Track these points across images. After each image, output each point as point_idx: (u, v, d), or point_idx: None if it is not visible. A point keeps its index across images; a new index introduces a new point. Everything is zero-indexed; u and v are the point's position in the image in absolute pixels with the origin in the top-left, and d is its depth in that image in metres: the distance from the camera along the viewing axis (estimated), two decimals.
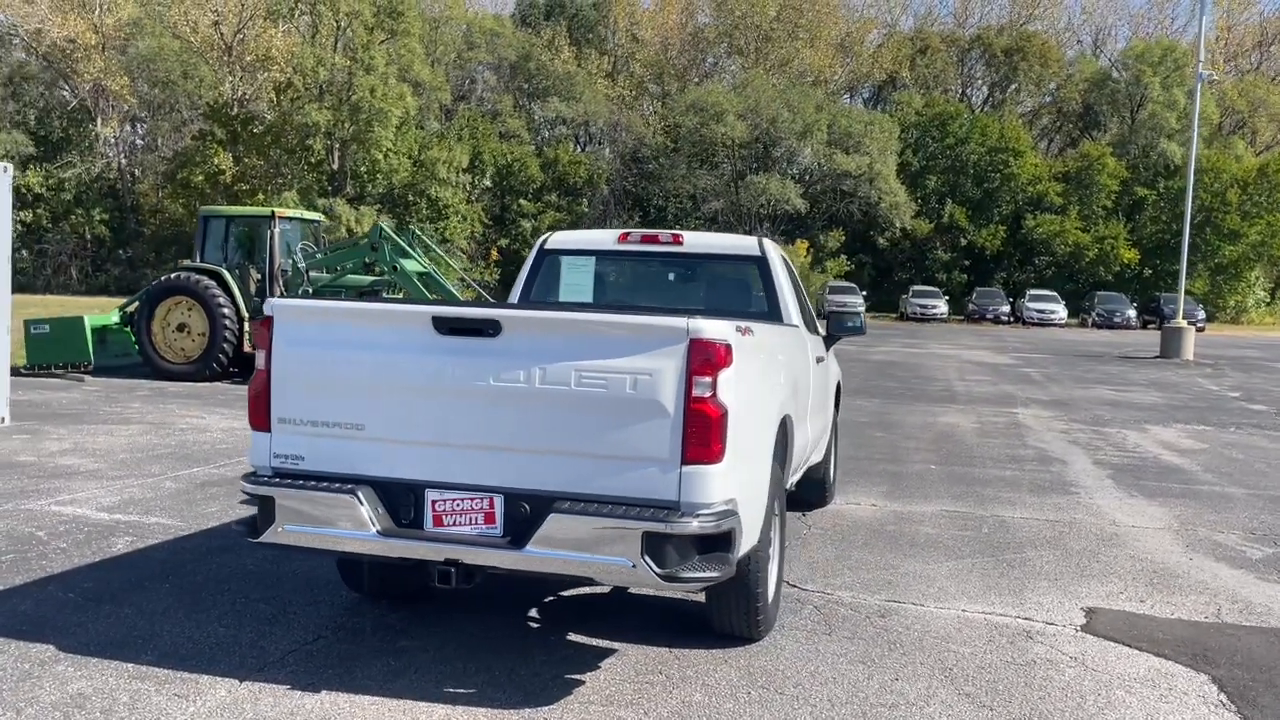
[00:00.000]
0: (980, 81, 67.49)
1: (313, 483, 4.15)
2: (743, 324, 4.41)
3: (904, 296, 50.70)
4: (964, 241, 56.41)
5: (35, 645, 4.46)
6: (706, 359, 3.90)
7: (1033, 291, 50.58)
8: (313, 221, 17.69)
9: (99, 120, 47.19)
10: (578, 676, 4.38)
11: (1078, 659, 4.96)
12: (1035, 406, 16.36)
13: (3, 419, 10.54)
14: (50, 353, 15.57)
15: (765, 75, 54.53)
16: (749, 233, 53.25)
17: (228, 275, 15.73)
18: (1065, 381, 21.02)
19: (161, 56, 46.44)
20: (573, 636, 4.91)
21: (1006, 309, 49.30)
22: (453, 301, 16.19)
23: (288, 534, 4.16)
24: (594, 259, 6.83)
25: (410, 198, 45.65)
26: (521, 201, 50.71)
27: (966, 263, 56.81)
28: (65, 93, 47.76)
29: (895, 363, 24.27)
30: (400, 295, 15.86)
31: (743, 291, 6.69)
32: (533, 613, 5.25)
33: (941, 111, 59.25)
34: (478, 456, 4.08)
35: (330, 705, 3.98)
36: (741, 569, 4.61)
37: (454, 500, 4.09)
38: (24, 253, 47.07)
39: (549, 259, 6.80)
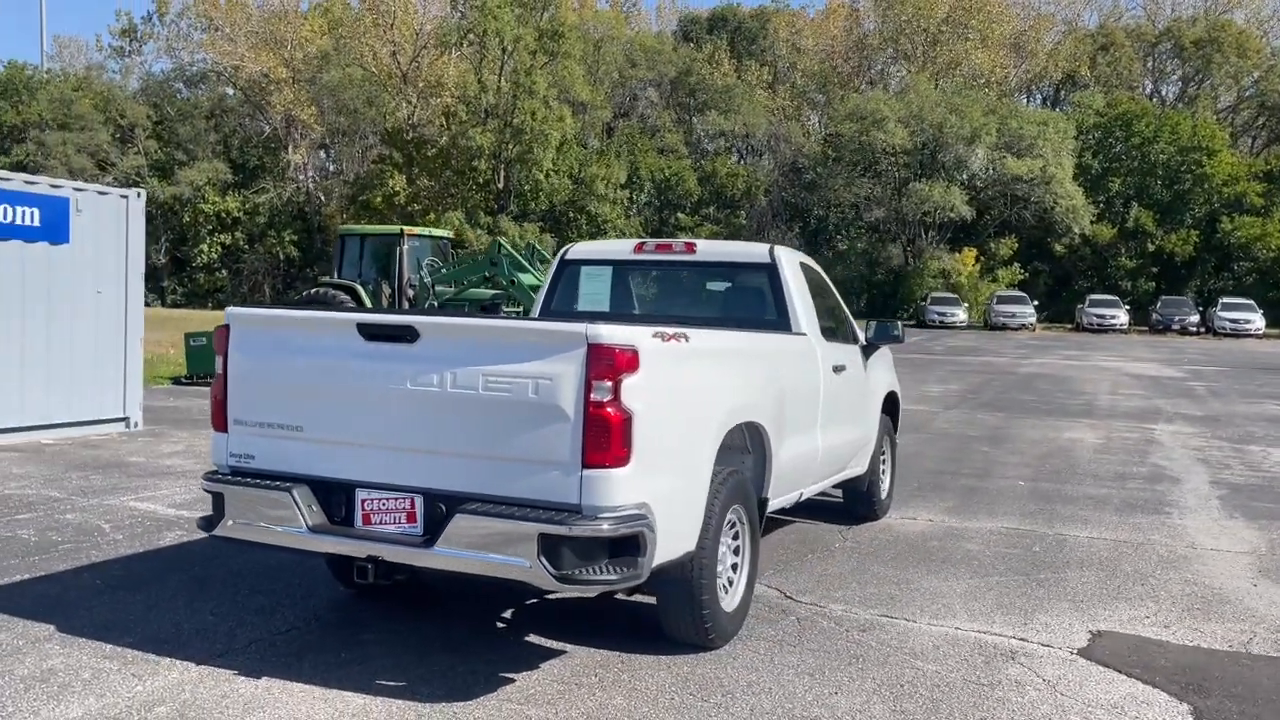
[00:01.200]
0: (1173, 76, 63.57)
1: (255, 481, 4.44)
2: (671, 330, 4.44)
3: (1079, 306, 48.20)
4: (1151, 247, 53.16)
5: (38, 624, 4.93)
6: (606, 364, 3.96)
7: (1226, 299, 47.13)
8: (441, 238, 18.51)
9: (290, 148, 50.55)
10: (510, 675, 4.50)
11: (1050, 682, 4.71)
12: (1180, 422, 15.34)
13: (135, 423, 11.52)
14: (208, 363, 16.87)
15: (929, 80, 53.08)
16: (911, 241, 52.17)
17: (361, 290, 16.65)
18: (1230, 396, 19.58)
19: (346, 86, 49.36)
20: (531, 638, 5.03)
21: (1195, 319, 46.08)
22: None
23: (234, 528, 4.48)
24: (611, 269, 6.94)
25: (571, 214, 46.83)
26: (679, 215, 51.16)
27: (1154, 270, 53.50)
28: (260, 124, 51.39)
29: (1044, 375, 23.19)
30: (519, 309, 16.41)
31: (753, 299, 6.65)
32: (506, 614, 5.40)
33: (1126, 110, 56.09)
34: (401, 458, 4.27)
35: (262, 690, 4.24)
36: (682, 575, 4.64)
37: (380, 500, 4.30)
38: (223, 272, 51.00)
39: (569, 269, 6.97)
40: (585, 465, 3.98)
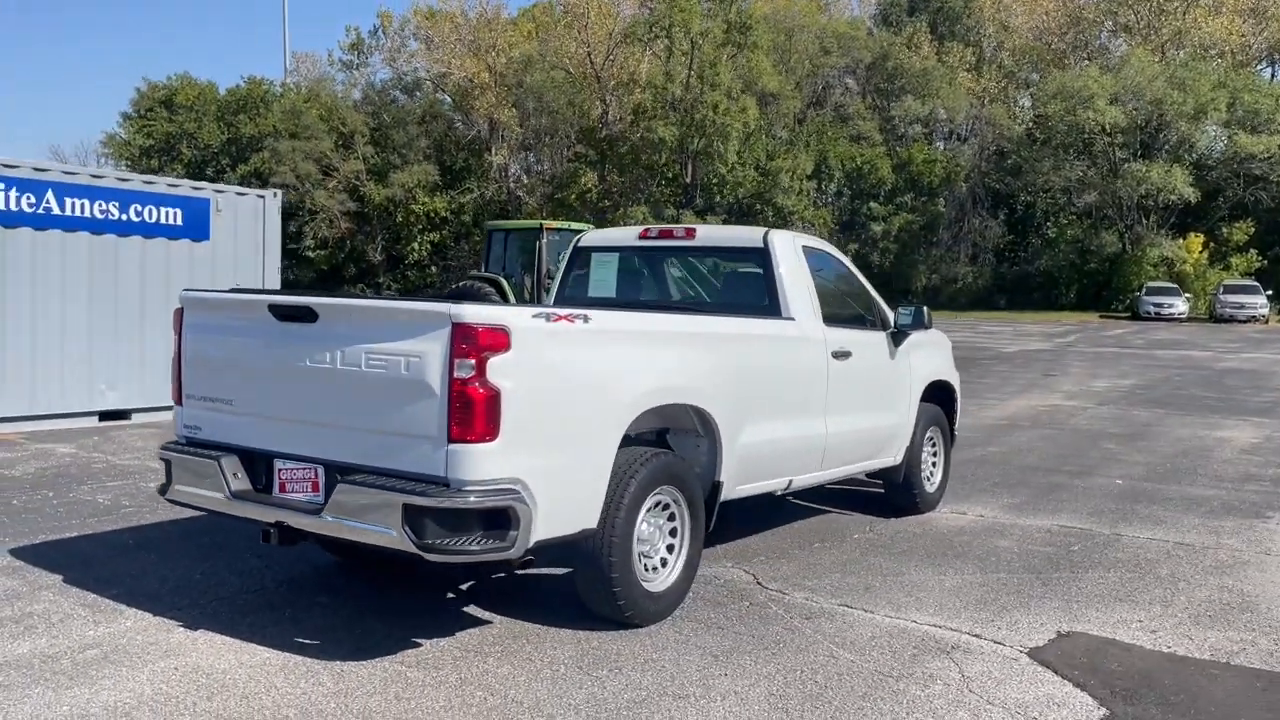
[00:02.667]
0: None
1: (194, 450, 4.87)
2: (564, 310, 4.54)
3: None
4: None
5: (50, 574, 5.58)
6: (468, 342, 4.11)
7: None
8: (581, 232, 18.96)
9: (493, 149, 52.83)
10: (419, 641, 4.73)
11: (967, 679, 4.51)
12: None
13: None
14: None
15: (1149, 53, 49.40)
16: (1129, 227, 48.72)
17: (505, 283, 17.36)
18: None
19: (547, 88, 51.07)
20: (470, 609, 5.25)
21: None
22: None
23: (176, 493, 4.94)
24: (618, 255, 7.05)
25: (757, 207, 46.65)
26: (872, 204, 49.95)
27: None
28: (466, 128, 53.96)
29: (1241, 371, 21.31)
30: None
31: (746, 283, 6.61)
32: (465, 587, 5.62)
33: None
34: (307, 431, 4.58)
35: (189, 640, 4.66)
36: (591, 552, 4.73)
37: (292, 470, 4.63)
38: (433, 268, 53.93)
39: (582, 256, 7.13)
40: (451, 440, 4.15)
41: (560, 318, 4.50)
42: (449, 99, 55.42)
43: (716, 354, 5.47)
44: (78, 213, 10.83)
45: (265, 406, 4.74)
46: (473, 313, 4.16)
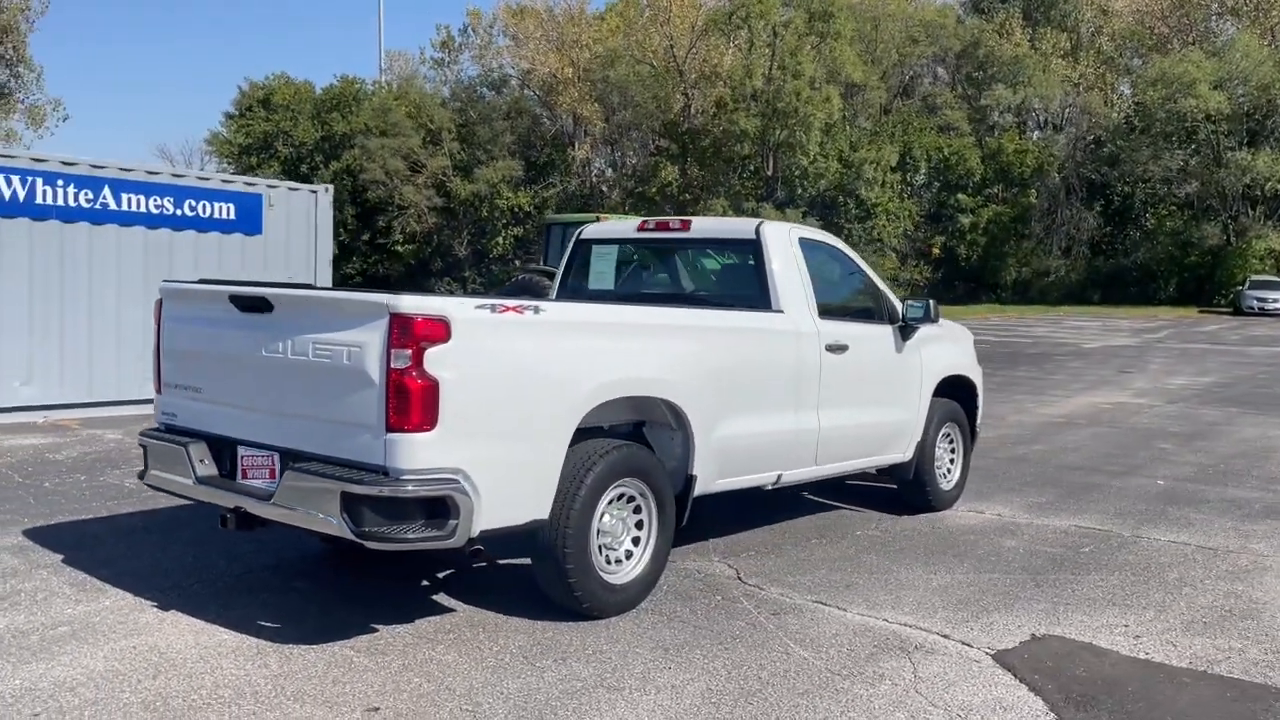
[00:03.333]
0: None
1: (166, 436, 5.03)
2: (511, 301, 4.56)
3: None
4: None
5: (52, 555, 5.83)
6: (405, 333, 4.16)
7: None
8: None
9: (575, 144, 53.19)
10: (376, 627, 4.81)
11: (918, 679, 4.41)
12: None
13: None
14: None
15: (1256, 37, 47.24)
16: (1234, 218, 46.72)
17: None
18: None
19: (630, 82, 51.15)
20: (437, 597, 5.32)
21: None
22: None
23: (151, 477, 5.12)
24: (617, 247, 7.04)
25: (840, 199, 46.03)
26: (959, 196, 48.81)
27: None
28: (550, 123, 54.42)
29: None
30: None
31: (738, 275, 6.54)
32: (440, 576, 5.69)
33: None
34: (265, 419, 4.70)
35: (157, 620, 4.82)
36: (546, 543, 4.75)
37: (253, 457, 4.75)
38: (516, 262, 54.55)
39: (583, 248, 7.14)
40: (389, 429, 4.21)
41: (507, 309, 4.52)
42: (534, 95, 55.94)
43: (689, 346, 5.43)
44: (134, 208, 11.26)
45: (229, 395, 4.87)
46: (410, 303, 4.21)
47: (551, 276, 17.39)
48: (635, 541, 5.21)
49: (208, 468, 4.90)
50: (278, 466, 4.66)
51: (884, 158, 45.38)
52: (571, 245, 7.22)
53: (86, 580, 5.39)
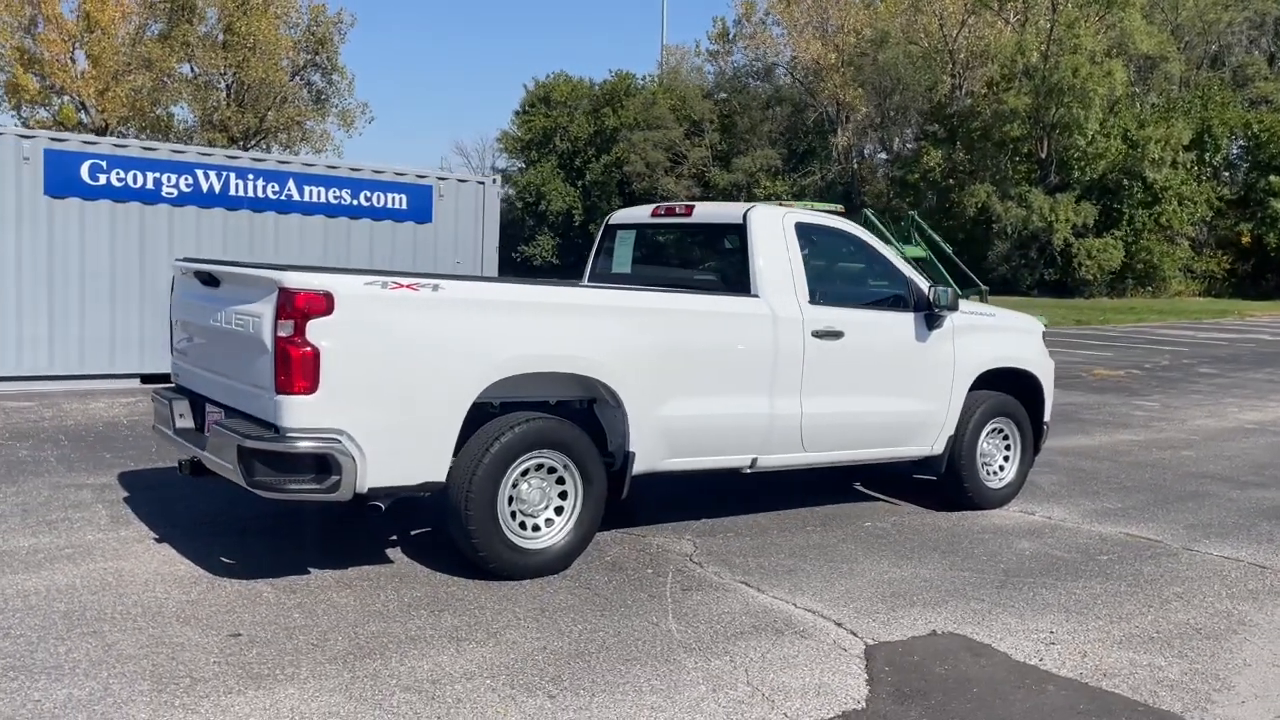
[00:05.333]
0: None
1: (164, 393, 5.84)
2: (407, 279, 4.96)
3: None
4: None
5: (121, 493, 6.85)
6: (290, 305, 4.67)
7: None
8: (828, 213, 18.68)
9: (838, 131, 52.48)
10: (311, 570, 5.37)
11: (761, 658, 4.42)
12: None
13: None
14: None
15: None
16: None
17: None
18: None
19: (898, 65, 49.83)
20: (393, 551, 5.79)
21: None
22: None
23: (154, 428, 5.93)
24: (634, 232, 7.23)
25: (1123, 181, 42.55)
26: (1272, 179, 43.64)
27: None
28: (812, 110, 53.94)
29: None
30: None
31: (728, 258, 6.55)
32: (413, 533, 6.18)
33: None
34: (218, 380, 5.37)
35: (144, 549, 5.62)
36: (450, 505, 5.15)
37: (213, 413, 5.43)
38: None
39: (609, 233, 7.40)
40: (277, 391, 4.73)
41: (401, 285, 4.92)
42: (797, 83, 55.67)
43: (626, 326, 5.58)
44: (315, 199, 12.62)
45: (198, 359, 5.61)
46: (294, 279, 4.71)
47: None
48: (558, 511, 5.46)
49: (186, 421, 5.65)
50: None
51: (1174, 136, 41.46)
52: (602, 230, 7.49)
53: (127, 516, 6.33)
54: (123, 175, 11.33)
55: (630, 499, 5.78)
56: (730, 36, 59.70)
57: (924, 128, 50.53)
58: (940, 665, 4.44)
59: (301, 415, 4.72)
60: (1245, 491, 8.12)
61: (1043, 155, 44.54)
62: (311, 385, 4.69)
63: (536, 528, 5.40)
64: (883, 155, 54.45)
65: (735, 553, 6.01)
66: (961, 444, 7.06)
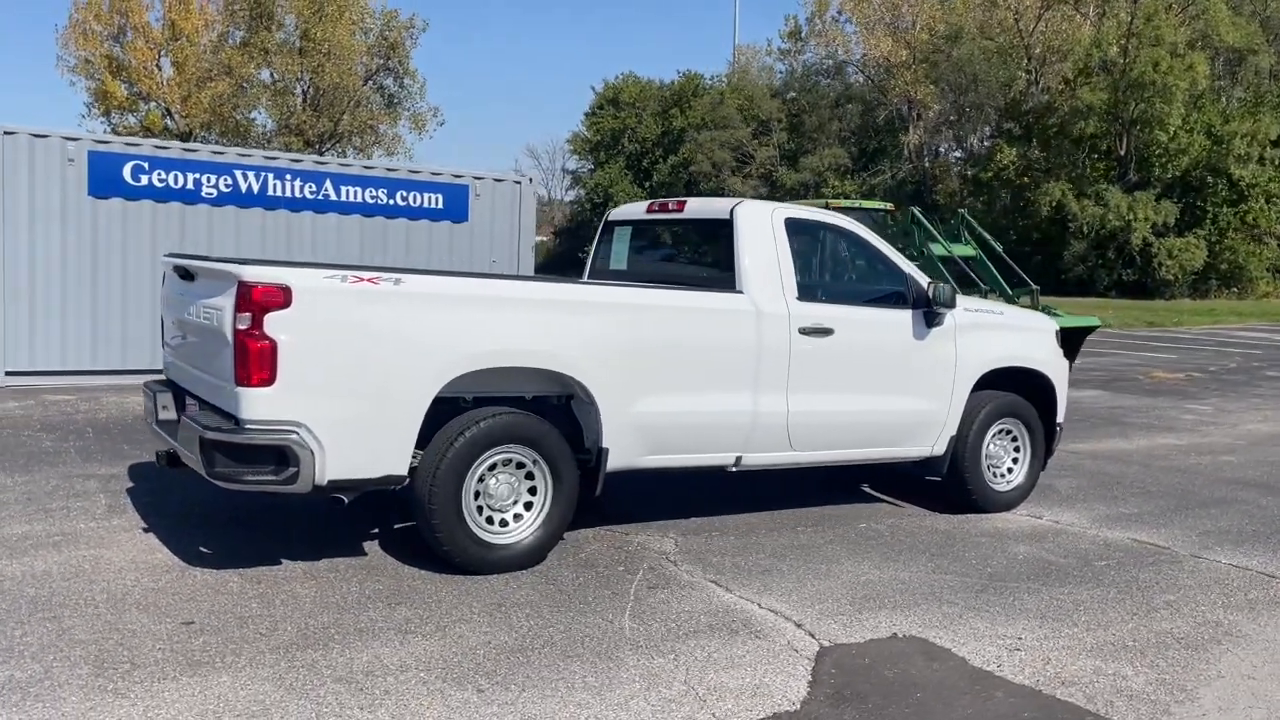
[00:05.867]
0: None
1: (151, 386, 5.97)
2: (368, 274, 4.99)
3: None
4: None
5: (125, 484, 7.01)
6: (247, 299, 4.72)
7: None
8: (875, 210, 18.33)
9: (909, 129, 51.68)
10: (284, 561, 5.42)
11: (706, 656, 4.34)
12: None
13: None
14: None
15: None
16: None
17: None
18: None
19: (973, 61, 48.86)
20: (369, 544, 5.83)
21: None
22: (990, 290, 15.57)
23: (145, 421, 6.05)
24: (631, 228, 7.18)
25: (1207, 179, 41.10)
26: None
27: None
28: (882, 108, 53.19)
29: None
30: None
31: (715, 255, 6.46)
32: (397, 527, 6.20)
33: None
34: (195, 373, 5.46)
35: (128, 538, 5.73)
36: (414, 499, 5.17)
37: (191, 406, 5.53)
38: None
39: (609, 230, 7.36)
40: (236, 383, 4.79)
41: (361, 279, 4.95)
42: (868, 80, 54.96)
43: (598, 322, 5.54)
44: (351, 198, 12.82)
45: (180, 353, 5.72)
46: (252, 272, 4.76)
47: None
48: (528, 507, 5.44)
49: (169, 414, 5.76)
50: None
51: (1261, 131, 39.93)
52: (602, 226, 7.46)
53: (124, 506, 6.48)
54: (164, 176, 11.64)
55: (619, 496, 5.74)
56: (802, 35, 59.21)
57: (999, 125, 49.48)
58: (890, 669, 4.31)
59: (259, 407, 4.77)
60: (1277, 498, 7.76)
61: (1121, 152, 43.29)
62: (269, 377, 4.74)
63: (505, 523, 5.39)
64: (958, 153, 53.43)
65: (715, 551, 5.93)
66: (965, 445, 6.86)
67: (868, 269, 6.82)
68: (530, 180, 14.19)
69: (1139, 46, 40.24)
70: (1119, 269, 41.81)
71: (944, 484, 7.06)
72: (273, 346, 4.73)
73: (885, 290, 6.70)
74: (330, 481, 4.93)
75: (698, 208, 6.78)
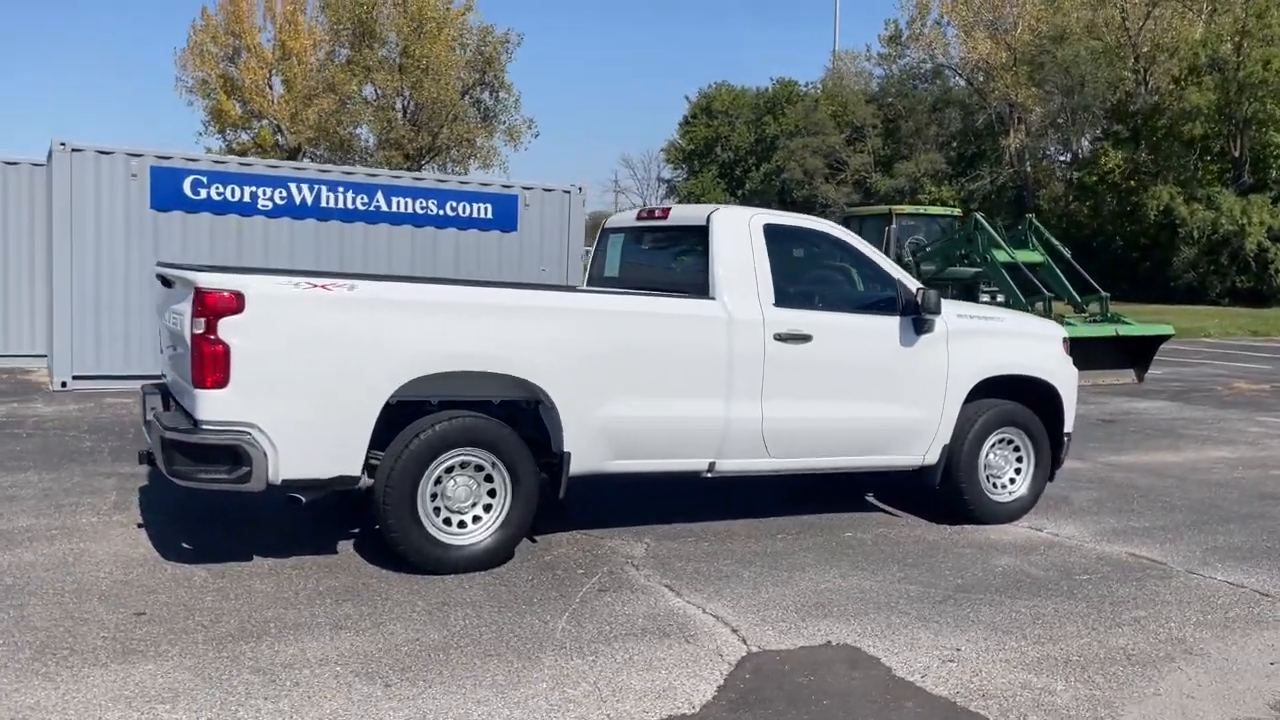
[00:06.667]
0: None
1: (146, 387, 6.25)
2: (323, 280, 5.15)
3: None
4: None
5: (139, 482, 7.34)
6: (202, 305, 4.93)
7: None
8: (942, 217, 17.94)
9: (1010, 132, 50.35)
10: (255, 557, 5.62)
11: (627, 659, 4.35)
12: None
13: None
14: None
15: None
16: None
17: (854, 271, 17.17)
18: None
19: (1078, 61, 47.38)
20: (341, 543, 5.99)
21: None
22: (1057, 298, 15.12)
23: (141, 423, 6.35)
24: (623, 236, 7.22)
25: None
26: None
27: None
28: (981, 112, 51.93)
29: None
30: (994, 289, 15.44)
31: (691, 262, 6.44)
32: (377, 526, 6.34)
33: None
34: (174, 375, 5.71)
35: (120, 534, 6.00)
36: (373, 500, 5.31)
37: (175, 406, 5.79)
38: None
39: (604, 237, 7.42)
40: (194, 385, 5.00)
41: (315, 285, 5.11)
42: (968, 83, 53.75)
43: (558, 327, 5.59)
44: (402, 209, 13.16)
45: (167, 356, 5.98)
46: (206, 279, 4.97)
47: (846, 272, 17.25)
48: (486, 509, 5.53)
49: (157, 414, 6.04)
50: None
51: None
52: (600, 234, 7.52)
53: (129, 503, 6.79)
54: (221, 190, 12.15)
55: (604, 500, 5.77)
56: (902, 39, 58.28)
57: (1105, 127, 47.84)
58: (807, 676, 4.26)
59: (214, 409, 4.97)
60: (1248, 508, 7.36)
61: (1236, 154, 41.41)
62: (223, 380, 4.93)
63: (463, 524, 5.48)
64: (1064, 157, 51.76)
65: (682, 557, 5.92)
66: (959, 454, 6.70)
67: (856, 275, 6.72)
68: (580, 190, 14.33)
69: (1251, 46, 38.46)
70: (1232, 275, 39.93)
71: (939, 494, 6.90)
72: (226, 350, 4.92)
73: (873, 296, 6.60)
74: (284, 481, 5.10)
75: (680, 215, 6.78)
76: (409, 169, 48.62)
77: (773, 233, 6.35)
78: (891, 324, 6.50)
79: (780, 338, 6.12)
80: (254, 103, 53.39)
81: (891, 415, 6.52)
